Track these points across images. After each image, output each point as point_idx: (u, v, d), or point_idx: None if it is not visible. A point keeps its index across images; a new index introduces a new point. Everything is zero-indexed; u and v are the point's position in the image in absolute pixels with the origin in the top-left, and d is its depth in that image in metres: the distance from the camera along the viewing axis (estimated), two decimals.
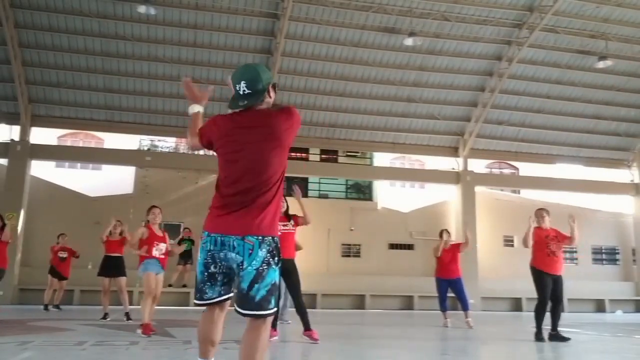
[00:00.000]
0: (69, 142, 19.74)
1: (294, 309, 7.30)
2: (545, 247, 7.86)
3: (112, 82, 17.18)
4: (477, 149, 20.01)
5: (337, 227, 18.93)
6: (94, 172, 19.62)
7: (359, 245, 19.33)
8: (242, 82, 2.97)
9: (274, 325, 7.23)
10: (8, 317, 9.63)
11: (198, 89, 3.44)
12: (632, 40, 17.89)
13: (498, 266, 19.09)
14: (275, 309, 2.92)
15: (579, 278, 19.87)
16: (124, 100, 17.52)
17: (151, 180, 17.87)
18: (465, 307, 10.47)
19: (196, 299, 3.01)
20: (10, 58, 15.77)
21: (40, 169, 17.73)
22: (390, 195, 20.79)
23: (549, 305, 7.85)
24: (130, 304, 11.01)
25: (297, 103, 18.35)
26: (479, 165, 21.09)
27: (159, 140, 19.28)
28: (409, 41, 16.69)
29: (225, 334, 7.60)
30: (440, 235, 11.05)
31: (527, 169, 22.39)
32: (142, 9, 15.01)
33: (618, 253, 21.56)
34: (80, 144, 19.88)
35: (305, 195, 19.94)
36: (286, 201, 7.21)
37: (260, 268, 2.79)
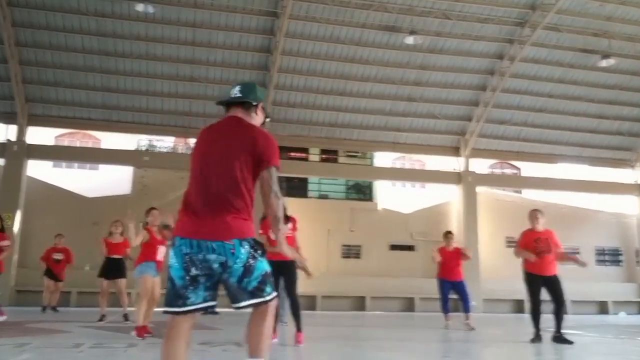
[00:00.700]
0: (66, 142, 19.61)
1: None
2: (533, 250, 7.70)
3: (110, 81, 17.06)
4: (479, 149, 19.89)
5: (337, 228, 18.81)
6: (91, 173, 19.50)
7: (359, 246, 19.20)
8: (237, 86, 3.22)
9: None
10: (5, 319, 9.49)
11: None
12: (636, 38, 17.77)
13: (500, 267, 18.91)
14: (274, 295, 2.93)
15: (581, 279, 19.70)
16: (121, 99, 17.40)
17: (149, 181, 17.75)
18: (467, 309, 10.44)
19: (174, 305, 2.82)
20: (7, 57, 15.68)
21: (37, 169, 17.61)
22: (390, 196, 20.68)
23: (552, 307, 7.71)
24: (130, 305, 10.83)
25: (297, 102, 18.27)
26: (480, 165, 20.97)
27: (157, 140, 19.16)
28: (409, 40, 16.59)
29: (224, 336, 7.47)
30: (445, 236, 10.87)
31: (529, 169, 22.29)
32: (140, 7, 14.91)
33: (621, 254, 21.42)
34: (78, 144, 19.75)
35: (305, 195, 19.89)
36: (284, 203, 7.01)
37: (247, 264, 2.82)
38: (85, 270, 15.02)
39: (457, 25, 16.95)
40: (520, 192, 22.28)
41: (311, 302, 16.63)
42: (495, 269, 18.86)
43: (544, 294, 7.80)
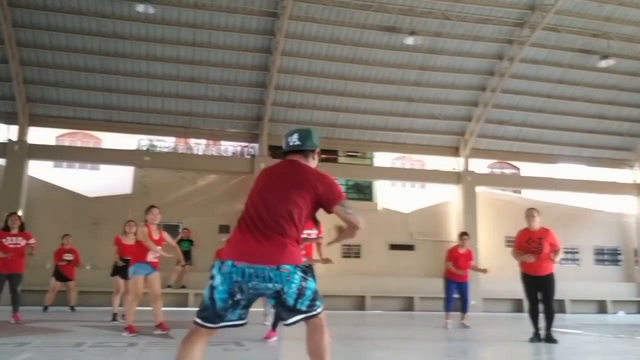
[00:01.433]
0: (67, 142, 19.62)
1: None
2: (525, 250, 7.72)
3: (111, 82, 17.09)
4: (478, 149, 19.92)
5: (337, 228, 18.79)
6: (92, 172, 19.49)
7: (359, 245, 19.20)
8: (295, 134, 3.44)
9: (274, 326, 7.18)
10: (6, 318, 9.52)
11: None
12: (635, 39, 17.81)
13: (499, 267, 18.81)
14: (322, 308, 3.16)
15: (580, 279, 19.82)
16: (122, 99, 17.43)
17: (150, 181, 17.77)
18: (466, 310, 10.59)
19: (211, 322, 3.00)
20: (8, 57, 15.69)
21: (38, 169, 17.61)
22: (390, 196, 20.68)
23: (542, 306, 7.76)
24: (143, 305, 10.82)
25: (297, 102, 18.29)
26: (480, 165, 20.99)
27: (157, 140, 19.17)
28: (409, 40, 16.62)
29: (224, 335, 7.48)
30: (460, 237, 10.92)
31: (528, 169, 22.29)
32: (140, 7, 14.94)
33: (620, 254, 21.44)
34: (79, 144, 19.75)
35: None
36: None
37: (300, 287, 3.04)
38: (86, 269, 15.06)
39: (457, 26, 16.98)
40: (519, 192, 22.29)
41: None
42: (495, 269, 18.74)
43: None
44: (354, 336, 8.94)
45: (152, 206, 7.88)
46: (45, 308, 12.81)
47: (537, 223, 7.87)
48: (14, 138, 16.77)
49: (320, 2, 15.91)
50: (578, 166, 21.31)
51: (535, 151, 20.50)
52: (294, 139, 3.40)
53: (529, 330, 7.81)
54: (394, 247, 19.44)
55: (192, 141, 19.34)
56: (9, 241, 9.24)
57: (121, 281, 10.18)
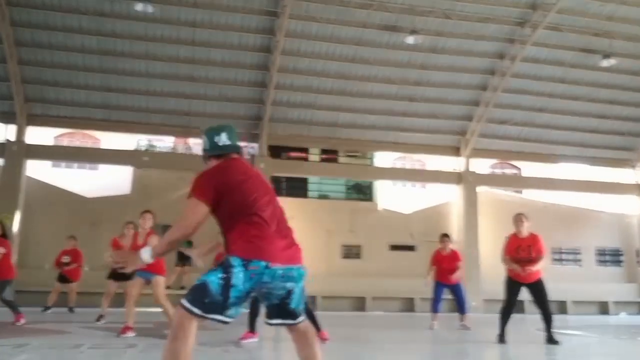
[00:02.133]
0: (65, 142, 19.55)
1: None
2: (514, 258, 7.62)
3: (110, 81, 17.03)
4: (479, 149, 19.86)
5: (337, 228, 18.76)
6: (90, 173, 19.44)
7: (360, 246, 19.16)
8: (224, 134, 3.35)
9: (252, 327, 7.06)
10: (4, 319, 9.47)
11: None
12: (637, 38, 17.75)
13: (500, 267, 18.54)
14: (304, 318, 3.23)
15: (582, 280, 19.77)
16: (121, 99, 17.38)
17: (149, 181, 17.72)
18: (463, 311, 10.48)
19: (212, 312, 2.88)
20: (6, 56, 15.65)
21: (37, 169, 17.57)
22: (391, 196, 20.63)
23: (539, 311, 7.65)
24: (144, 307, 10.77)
25: (297, 102, 18.25)
26: (481, 165, 20.95)
27: (156, 140, 19.12)
28: (410, 39, 16.56)
29: (224, 337, 7.41)
30: (441, 240, 10.79)
31: (529, 169, 22.24)
32: (139, 6, 14.88)
33: (622, 254, 21.39)
34: (77, 144, 19.68)
35: (305, 195, 19.86)
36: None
37: (302, 287, 3.13)
38: (84, 270, 14.95)
39: (458, 25, 16.92)
40: (520, 192, 22.24)
41: (311, 303, 16.57)
42: (496, 269, 18.55)
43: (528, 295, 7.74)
44: (354, 337, 8.89)
45: (145, 211, 7.84)
46: (46, 309, 12.74)
47: (526, 229, 7.73)
48: (12, 138, 16.75)
49: (320, 1, 15.86)
50: (579, 166, 21.29)
51: (537, 151, 20.46)
52: (226, 140, 3.35)
53: (531, 331, 7.76)
54: (395, 247, 19.37)
55: (192, 141, 19.29)
56: None
57: (114, 285, 10.16)
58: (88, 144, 19.75)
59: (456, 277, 10.41)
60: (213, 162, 3.29)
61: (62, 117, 17.40)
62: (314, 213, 18.16)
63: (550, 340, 7.40)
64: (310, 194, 20.20)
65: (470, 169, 19.68)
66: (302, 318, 3.15)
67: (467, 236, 18.90)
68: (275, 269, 2.91)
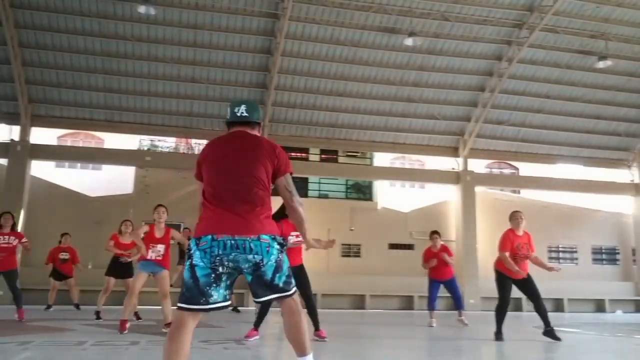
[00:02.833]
0: (69, 142, 19.73)
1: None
2: (513, 254, 7.72)
3: (112, 82, 17.17)
4: (477, 149, 20.00)
5: (337, 227, 18.87)
6: (93, 172, 19.61)
7: (359, 245, 19.32)
8: (243, 106, 3.39)
9: (256, 325, 7.24)
10: (8, 317, 9.60)
11: None
12: (632, 40, 17.89)
13: None
14: (295, 289, 3.19)
15: (578, 278, 19.92)
16: (123, 100, 17.51)
17: (151, 180, 17.85)
18: (459, 307, 10.59)
19: (196, 303, 2.97)
20: (10, 58, 15.75)
21: (40, 169, 17.72)
22: (390, 195, 20.78)
23: (532, 305, 7.81)
24: (140, 304, 10.93)
25: (297, 103, 18.37)
26: (479, 165, 21.08)
27: (158, 140, 19.27)
28: (409, 41, 16.67)
29: (224, 333, 7.56)
30: (430, 237, 10.90)
31: (527, 169, 22.38)
32: (142, 9, 14.98)
33: (618, 253, 21.55)
34: (80, 144, 19.87)
35: (305, 195, 19.98)
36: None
37: (278, 259, 3.05)
38: (88, 268, 15.16)
39: (456, 27, 17.06)
40: (518, 192, 22.40)
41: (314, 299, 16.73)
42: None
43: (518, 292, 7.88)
44: (353, 335, 9.00)
45: (159, 205, 7.97)
46: (48, 307, 12.91)
47: (523, 227, 7.86)
48: (16, 138, 16.86)
49: (320, 3, 16.00)
50: (576, 166, 21.39)
51: (534, 151, 20.58)
52: (242, 110, 3.36)
53: (528, 328, 7.85)
54: (394, 246, 19.54)
55: (193, 141, 19.45)
56: (1, 240, 9.34)
57: (112, 281, 10.32)
58: (91, 144, 19.94)
59: (450, 270, 10.46)
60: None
61: (65, 117, 17.52)
62: (314, 212, 18.26)
63: (552, 335, 7.50)
64: (310, 193, 20.34)
65: (469, 169, 19.80)
66: (289, 293, 3.11)
67: (465, 235, 19.05)
68: (223, 240, 2.94)
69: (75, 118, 17.60)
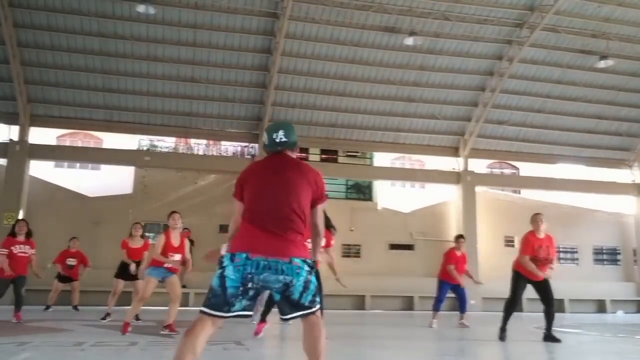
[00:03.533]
0: (67, 142, 19.67)
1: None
2: (533, 256, 7.59)
3: (111, 82, 17.13)
4: (478, 149, 19.97)
5: (337, 227, 18.78)
6: (93, 172, 19.54)
7: (359, 245, 19.26)
8: (281, 131, 3.52)
9: (263, 318, 7.30)
10: (7, 318, 9.56)
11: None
12: (634, 39, 17.87)
13: (499, 267, 18.87)
14: (319, 305, 3.29)
15: (580, 278, 19.87)
16: (122, 100, 17.47)
17: (150, 181, 17.82)
18: (464, 309, 10.64)
19: (220, 310, 3.10)
20: (8, 57, 15.72)
21: (39, 169, 17.66)
22: (390, 196, 20.72)
23: (543, 307, 7.74)
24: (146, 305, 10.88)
25: (297, 103, 18.34)
26: (479, 165, 21.03)
27: (158, 140, 19.23)
28: (409, 41, 16.65)
29: (224, 334, 7.53)
30: (456, 240, 10.89)
31: (528, 169, 22.33)
32: (141, 8, 14.97)
33: (619, 253, 21.50)
34: (79, 144, 19.80)
35: None
36: None
37: (306, 280, 3.20)
38: (86, 269, 15.07)
39: (457, 27, 17.03)
40: (519, 192, 22.35)
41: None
42: (494, 268, 18.87)
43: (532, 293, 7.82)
44: (353, 335, 8.99)
45: (173, 212, 7.93)
46: (47, 307, 12.87)
47: (543, 229, 7.74)
48: (15, 138, 16.82)
49: (320, 3, 15.96)
50: (577, 166, 21.36)
51: (535, 151, 20.55)
52: (280, 136, 3.50)
53: (529, 329, 7.83)
54: (394, 246, 19.48)
55: (193, 141, 19.41)
56: (18, 249, 9.34)
57: (121, 283, 10.27)
58: (90, 144, 19.87)
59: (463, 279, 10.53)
60: None
61: (64, 117, 17.48)
62: None
63: (551, 338, 7.47)
64: None
65: (469, 169, 19.77)
66: (312, 310, 3.22)
67: (465, 235, 18.84)
68: (257, 260, 3.07)
69: (74, 118, 17.57)
